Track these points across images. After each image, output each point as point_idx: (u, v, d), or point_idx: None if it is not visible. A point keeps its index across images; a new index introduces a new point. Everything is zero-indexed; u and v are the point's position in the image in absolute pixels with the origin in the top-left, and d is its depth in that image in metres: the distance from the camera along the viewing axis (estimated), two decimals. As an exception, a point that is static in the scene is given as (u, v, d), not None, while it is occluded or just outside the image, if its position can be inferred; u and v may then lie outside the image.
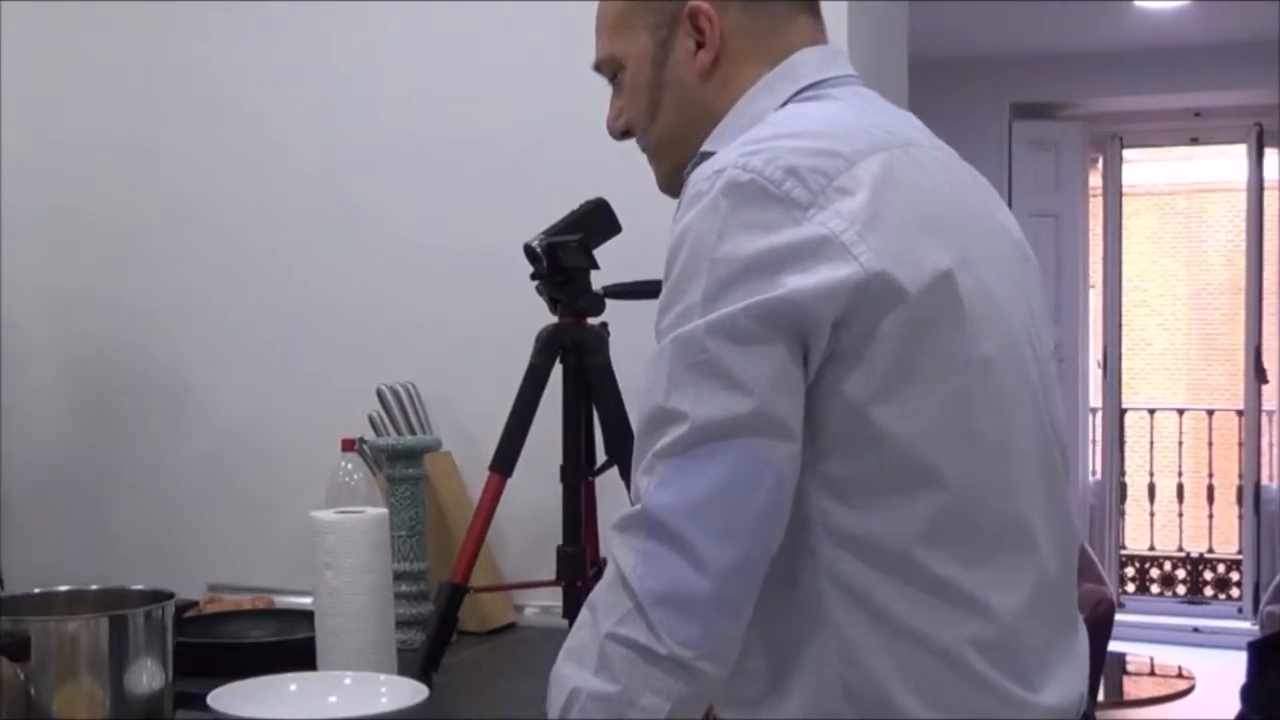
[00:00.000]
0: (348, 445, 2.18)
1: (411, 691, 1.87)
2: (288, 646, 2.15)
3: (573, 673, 1.30)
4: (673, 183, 1.51)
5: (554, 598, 2.26)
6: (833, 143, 1.34)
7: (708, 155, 1.43)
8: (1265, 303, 7.64)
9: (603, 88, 1.59)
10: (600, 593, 1.31)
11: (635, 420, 1.33)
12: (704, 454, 1.26)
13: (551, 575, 2.24)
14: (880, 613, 1.31)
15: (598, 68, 1.58)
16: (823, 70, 1.48)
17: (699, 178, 1.33)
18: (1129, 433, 8.38)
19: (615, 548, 1.29)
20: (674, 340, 1.29)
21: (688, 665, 1.26)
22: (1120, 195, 7.99)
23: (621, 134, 1.58)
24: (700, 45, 1.47)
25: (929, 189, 1.38)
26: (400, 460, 2.45)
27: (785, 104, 1.45)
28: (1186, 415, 8.98)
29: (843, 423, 1.30)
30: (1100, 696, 4.39)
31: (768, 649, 1.35)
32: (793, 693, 1.35)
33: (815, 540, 1.32)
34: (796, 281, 1.26)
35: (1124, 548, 8.25)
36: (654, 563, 1.26)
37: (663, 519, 1.26)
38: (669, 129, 1.52)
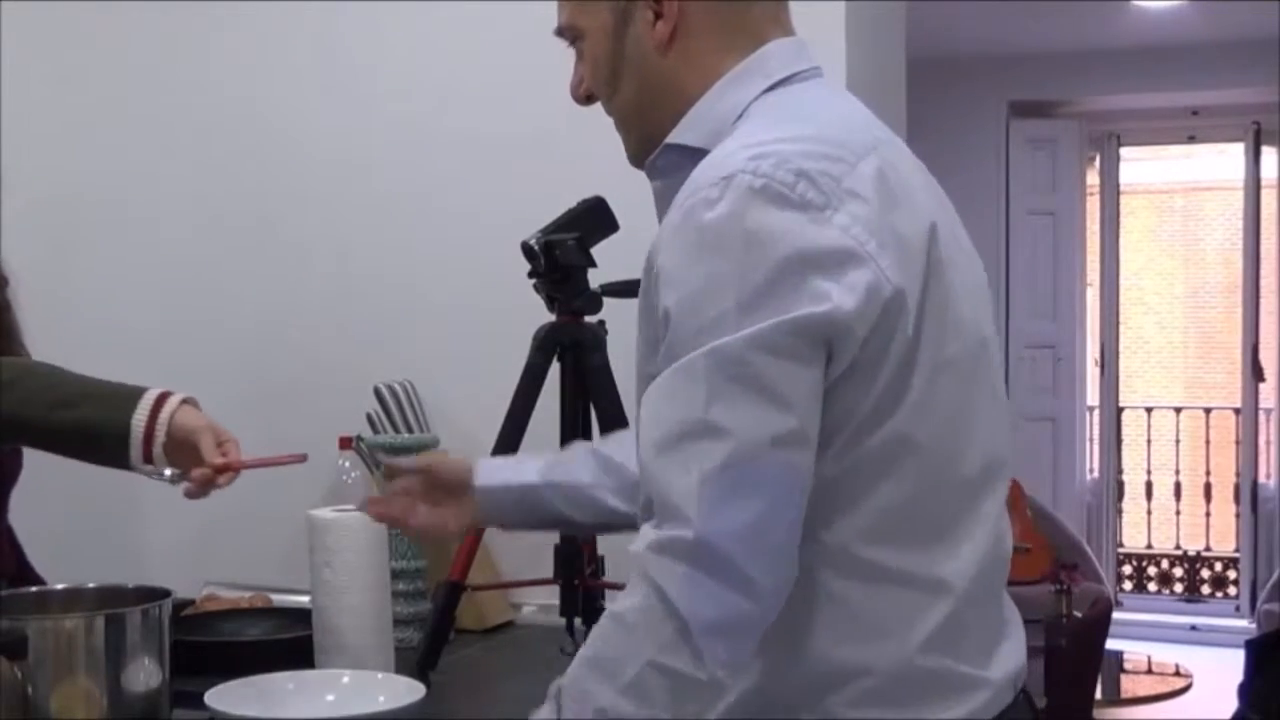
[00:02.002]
0: (345, 443, 2.17)
1: (409, 690, 1.87)
2: (285, 645, 2.15)
3: (598, 690, 1.28)
4: (640, 154, 1.51)
5: (552, 596, 2.26)
6: (831, 145, 1.35)
7: (684, 149, 1.43)
8: (1262, 301, 7.64)
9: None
10: (636, 613, 1.27)
11: (655, 425, 1.30)
12: (750, 473, 1.25)
13: (549, 573, 2.23)
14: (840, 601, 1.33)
15: (559, 33, 1.56)
16: (792, 64, 1.47)
17: (704, 183, 1.32)
18: (1126, 431, 8.38)
19: (655, 570, 1.26)
20: (711, 351, 1.27)
21: (723, 684, 1.27)
22: (1118, 193, 7.99)
23: (585, 99, 1.56)
24: (658, 16, 1.46)
25: (910, 188, 1.40)
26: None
27: (757, 99, 1.44)
28: (1184, 413, 8.98)
29: (833, 423, 1.31)
30: (1098, 695, 4.39)
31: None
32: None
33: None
34: (834, 294, 1.26)
35: (1121, 546, 8.25)
36: (705, 590, 1.24)
37: (715, 544, 1.24)
38: (631, 100, 1.51)
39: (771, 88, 1.44)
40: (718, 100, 1.44)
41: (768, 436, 1.25)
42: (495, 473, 1.83)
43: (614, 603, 1.31)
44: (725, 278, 1.28)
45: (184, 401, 1.96)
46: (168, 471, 1.92)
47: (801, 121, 1.39)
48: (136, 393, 1.95)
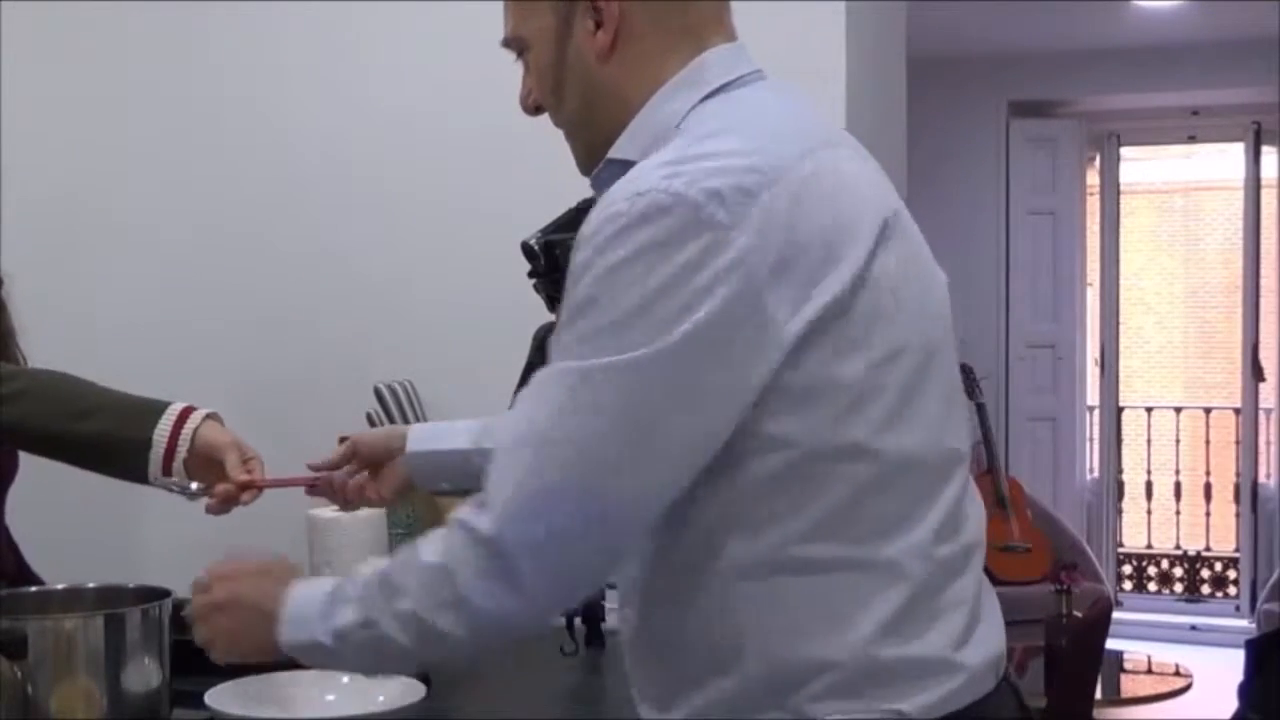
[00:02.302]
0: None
1: (409, 690, 1.87)
2: (285, 645, 2.15)
3: (378, 603, 1.39)
4: (589, 164, 1.52)
5: (551, 596, 2.25)
6: (753, 158, 1.33)
7: (623, 164, 1.42)
8: (1263, 301, 7.63)
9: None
10: (427, 570, 1.37)
11: (514, 418, 1.36)
12: (567, 493, 1.31)
13: (549, 573, 2.23)
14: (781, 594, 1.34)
15: (506, 44, 1.56)
16: (731, 70, 1.46)
17: (618, 196, 1.32)
18: (1126, 431, 8.37)
19: (455, 543, 1.35)
20: (575, 368, 1.31)
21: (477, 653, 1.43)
22: (1118, 193, 7.99)
23: (534, 110, 1.56)
24: (599, 25, 1.46)
25: (852, 191, 1.39)
26: (398, 458, 2.45)
27: (694, 108, 1.43)
28: (1184, 413, 8.97)
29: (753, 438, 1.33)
30: (1098, 695, 4.38)
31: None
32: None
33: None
34: (713, 323, 1.27)
35: (1121, 546, 8.24)
36: (486, 583, 1.34)
37: (507, 550, 1.33)
38: (575, 111, 1.51)
39: (709, 96, 1.44)
40: (655, 111, 1.45)
41: (600, 461, 1.29)
42: (426, 439, 1.90)
43: (425, 541, 1.39)
44: (610, 295, 1.29)
45: (208, 417, 1.96)
46: (193, 485, 1.93)
47: (727, 134, 1.37)
48: (158, 406, 1.95)
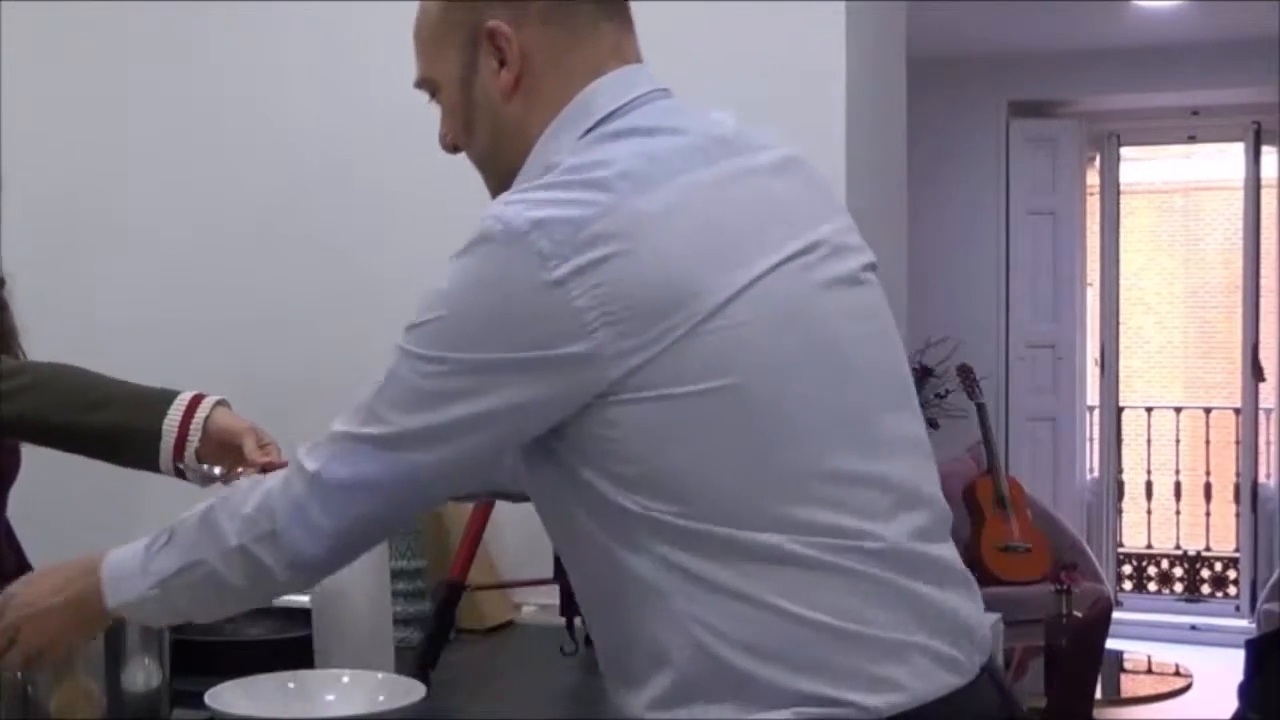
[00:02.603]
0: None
1: (409, 690, 1.87)
2: (285, 644, 2.15)
3: (204, 541, 1.51)
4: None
5: (552, 596, 2.26)
6: (592, 189, 1.36)
7: None
8: (1263, 301, 7.63)
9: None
10: (253, 505, 1.49)
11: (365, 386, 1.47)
12: (369, 454, 1.45)
13: (549, 573, 2.23)
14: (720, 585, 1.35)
15: (419, 85, 1.61)
16: (620, 96, 1.48)
17: (480, 217, 1.40)
18: (1126, 431, 8.38)
19: (287, 479, 1.50)
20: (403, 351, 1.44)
21: (297, 584, 1.55)
22: (1118, 193, 7.99)
23: (452, 149, 1.61)
24: (502, 64, 1.50)
25: (731, 207, 1.41)
26: (398, 458, 2.45)
27: (579, 139, 1.46)
28: (1184, 413, 8.98)
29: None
30: (1098, 695, 4.39)
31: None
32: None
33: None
34: (521, 361, 1.35)
35: (1121, 546, 8.24)
36: (303, 517, 1.47)
37: (325, 484, 1.48)
38: (485, 148, 1.56)
39: (593, 127, 1.46)
40: (543, 147, 1.49)
41: (398, 438, 1.41)
42: None
43: (250, 481, 1.51)
44: (447, 301, 1.41)
45: (218, 403, 1.97)
46: (216, 470, 1.94)
47: (581, 170, 1.40)
48: (168, 396, 1.96)
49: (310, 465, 1.45)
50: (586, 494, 1.39)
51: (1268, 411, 7.82)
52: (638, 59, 1.53)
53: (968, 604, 1.47)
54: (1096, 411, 7.98)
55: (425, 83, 1.60)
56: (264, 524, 1.45)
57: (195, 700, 1.82)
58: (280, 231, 2.93)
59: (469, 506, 2.30)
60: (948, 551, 1.48)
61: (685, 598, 1.36)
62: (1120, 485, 8.21)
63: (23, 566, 2.49)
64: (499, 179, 1.54)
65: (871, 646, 1.36)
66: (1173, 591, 8.28)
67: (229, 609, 1.62)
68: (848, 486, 1.39)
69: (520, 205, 1.37)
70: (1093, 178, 7.87)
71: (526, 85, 1.49)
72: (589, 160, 1.40)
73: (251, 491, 1.48)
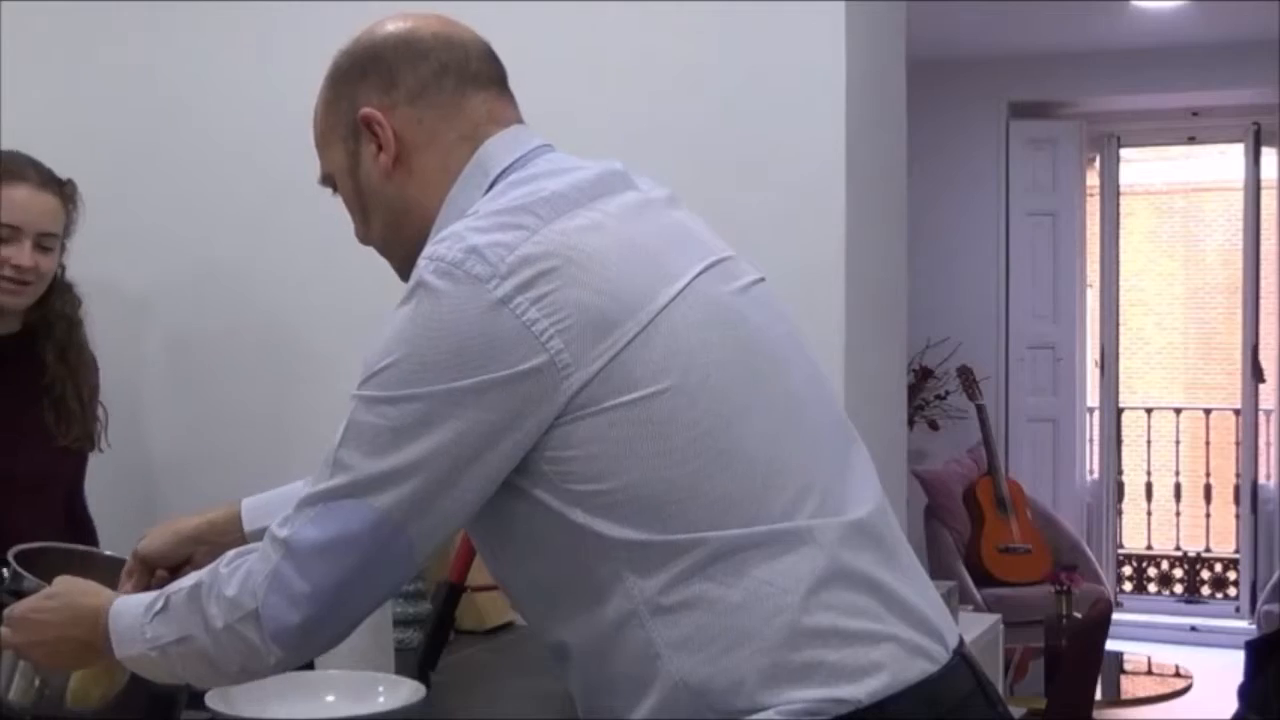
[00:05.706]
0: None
1: (409, 691, 1.87)
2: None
3: (192, 620, 1.49)
4: (407, 276, 1.55)
5: (552, 596, 2.25)
6: (515, 215, 1.42)
7: None
8: (1262, 302, 7.63)
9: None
10: (237, 583, 1.47)
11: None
12: (340, 508, 1.42)
13: (549, 574, 2.23)
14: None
15: (322, 183, 1.66)
16: (514, 150, 1.55)
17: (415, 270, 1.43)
18: (1126, 432, 8.38)
19: (266, 551, 1.47)
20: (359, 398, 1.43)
21: (285, 663, 1.50)
22: (1118, 194, 7.99)
23: (363, 240, 1.65)
24: (380, 148, 1.56)
25: (635, 239, 1.46)
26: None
27: (483, 197, 1.51)
28: (1184, 414, 8.98)
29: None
30: (1098, 695, 4.39)
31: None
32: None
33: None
34: (478, 381, 1.36)
35: (1121, 547, 8.25)
36: (283, 590, 1.45)
37: (298, 551, 1.45)
38: (382, 229, 1.61)
39: (494, 182, 1.52)
40: (448, 210, 1.53)
41: (367, 482, 1.39)
42: (259, 516, 1.86)
43: (248, 552, 1.48)
44: (400, 343, 1.41)
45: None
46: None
47: (494, 210, 1.45)
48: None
49: (282, 533, 1.44)
50: (555, 523, 1.40)
51: (1268, 413, 7.82)
52: (519, 120, 1.61)
53: (928, 590, 1.51)
54: (1096, 413, 7.98)
55: (325, 179, 1.65)
56: (247, 604, 1.44)
57: (196, 701, 1.82)
58: (280, 231, 2.93)
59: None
60: (898, 535, 1.53)
61: (659, 626, 1.38)
62: (1120, 486, 8.21)
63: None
64: (401, 260, 1.58)
65: (848, 638, 1.38)
66: (1173, 593, 8.28)
67: (226, 683, 1.66)
68: (791, 476, 1.43)
69: (449, 240, 1.42)
70: (1093, 179, 7.87)
71: (406, 164, 1.56)
72: (505, 201, 1.46)
73: (235, 572, 1.47)
